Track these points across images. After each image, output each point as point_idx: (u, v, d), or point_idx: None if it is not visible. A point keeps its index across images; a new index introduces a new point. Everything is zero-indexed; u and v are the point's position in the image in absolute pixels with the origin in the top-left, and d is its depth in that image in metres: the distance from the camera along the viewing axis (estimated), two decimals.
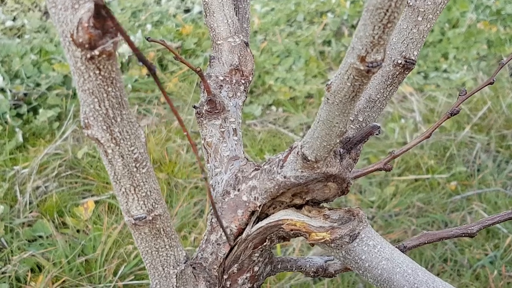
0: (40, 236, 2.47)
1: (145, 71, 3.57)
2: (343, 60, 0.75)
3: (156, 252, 0.84)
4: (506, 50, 3.90)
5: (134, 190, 0.79)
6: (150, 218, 0.81)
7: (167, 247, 0.85)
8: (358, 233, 0.87)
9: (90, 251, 2.34)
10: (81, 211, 2.57)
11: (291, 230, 0.89)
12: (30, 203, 2.63)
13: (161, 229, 0.83)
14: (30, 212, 2.59)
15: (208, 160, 0.97)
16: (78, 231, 2.49)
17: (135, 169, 0.78)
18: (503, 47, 3.92)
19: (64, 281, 2.23)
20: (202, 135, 0.98)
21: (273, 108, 3.49)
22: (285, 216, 0.90)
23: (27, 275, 2.25)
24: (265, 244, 0.91)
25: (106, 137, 0.76)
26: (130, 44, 0.64)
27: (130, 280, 2.29)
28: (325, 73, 3.74)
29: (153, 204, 0.81)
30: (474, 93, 1.08)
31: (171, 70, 3.67)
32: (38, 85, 3.30)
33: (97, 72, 0.71)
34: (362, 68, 0.72)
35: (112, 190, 2.80)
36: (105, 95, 0.72)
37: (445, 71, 3.72)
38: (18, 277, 2.23)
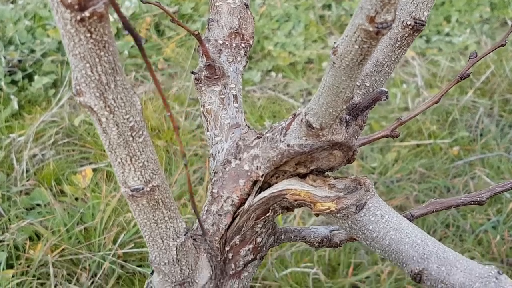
0: (38, 205, 2.45)
1: (141, 36, 3.49)
2: (350, 21, 0.71)
3: (155, 224, 0.81)
4: (510, 12, 3.83)
5: (131, 160, 0.75)
6: (148, 189, 0.77)
7: (166, 218, 0.81)
8: (365, 202, 0.84)
9: (89, 219, 2.32)
10: (79, 179, 2.54)
11: (295, 200, 0.85)
12: (27, 171, 2.59)
13: (160, 200, 0.79)
14: (27, 180, 2.56)
15: (207, 128, 0.93)
16: (76, 199, 2.46)
17: (131, 138, 0.74)
18: (506, 9, 3.84)
19: (63, 249, 2.21)
20: (201, 102, 0.94)
21: (273, 74, 3.43)
22: (288, 185, 0.86)
23: (25, 244, 2.23)
24: (268, 214, 0.87)
25: (99, 104, 0.71)
26: (116, 8, 0.59)
27: (130, 248, 2.28)
28: (325, 38, 3.67)
29: (151, 174, 0.77)
30: (485, 56, 1.03)
31: (168, 36, 3.60)
32: (32, 51, 3.23)
33: (88, 35, 0.67)
34: (371, 29, 0.67)
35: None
36: (97, 59, 0.68)
37: (447, 34, 3.65)
38: (16, 246, 2.21)
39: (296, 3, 3.81)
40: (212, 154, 0.92)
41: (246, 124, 0.93)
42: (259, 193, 0.89)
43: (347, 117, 0.87)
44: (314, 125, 0.82)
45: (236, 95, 0.93)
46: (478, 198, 1.00)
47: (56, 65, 3.20)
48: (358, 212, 0.84)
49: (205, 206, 0.91)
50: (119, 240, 2.22)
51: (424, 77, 3.31)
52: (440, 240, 2.50)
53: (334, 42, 0.74)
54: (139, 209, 0.80)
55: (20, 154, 2.67)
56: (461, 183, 2.71)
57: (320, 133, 0.83)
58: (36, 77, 3.07)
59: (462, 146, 2.91)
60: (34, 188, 2.53)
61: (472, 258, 2.41)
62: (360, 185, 0.85)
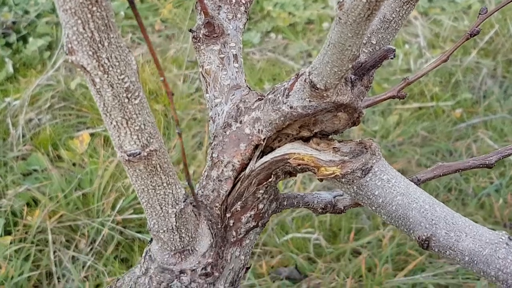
0: (35, 170, 2.42)
1: None
2: None
3: (153, 191, 0.78)
4: None
5: (127, 123, 0.71)
6: (145, 153, 0.74)
7: (164, 184, 0.78)
8: (371, 167, 0.80)
9: (87, 185, 2.29)
10: (76, 144, 2.51)
11: (298, 164, 0.82)
12: (23, 136, 2.56)
13: (158, 166, 0.76)
14: (24, 145, 2.52)
15: (207, 89, 0.89)
16: (74, 164, 2.43)
17: (126, 100, 0.70)
18: None
19: (61, 216, 2.19)
20: (200, 62, 0.90)
21: (272, 35, 3.37)
22: (291, 149, 0.82)
23: (23, 210, 2.20)
24: (270, 180, 0.84)
25: (92, 64, 0.67)
26: None
27: (129, 214, 2.26)
28: None
29: (148, 138, 0.73)
30: (496, 11, 0.98)
31: None
32: (26, 12, 3.16)
33: None
34: None
35: None
36: (89, 15, 0.63)
37: None
38: (14, 212, 2.18)
39: None
40: (212, 117, 0.88)
41: (247, 85, 0.89)
42: (261, 157, 0.85)
43: (353, 77, 0.83)
44: (318, 86, 0.78)
45: (236, 54, 0.89)
46: (487, 161, 0.96)
47: (51, 27, 3.13)
48: (364, 176, 0.80)
49: (204, 171, 0.87)
50: (118, 206, 2.20)
51: (426, 38, 3.24)
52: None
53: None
54: (136, 175, 0.76)
55: (16, 118, 2.63)
56: (464, 146, 2.67)
57: (325, 94, 0.79)
58: (30, 39, 3.00)
59: (465, 108, 2.87)
60: (31, 153, 2.50)
61: (475, 222, 2.39)
62: (365, 148, 0.81)
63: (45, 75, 2.82)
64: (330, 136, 0.88)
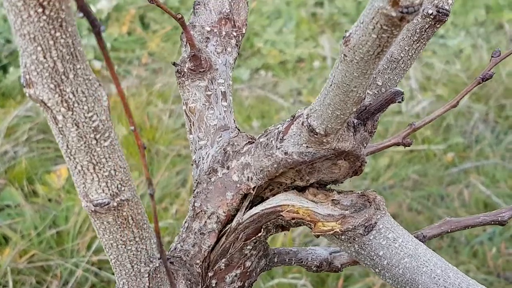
0: (8, 206, 2.29)
1: (125, 29, 3.34)
2: (368, 5, 0.58)
3: (123, 246, 0.67)
4: (505, 15, 3.72)
5: (94, 168, 0.61)
6: (115, 204, 0.63)
7: (137, 239, 0.67)
8: (375, 223, 0.71)
9: (62, 222, 2.16)
10: (53, 178, 2.39)
11: (292, 218, 0.72)
12: None
13: (130, 218, 0.65)
14: None
15: (190, 130, 0.80)
16: (49, 200, 2.30)
17: (94, 142, 0.60)
18: (501, 13, 3.74)
19: (33, 255, 2.06)
20: (184, 100, 0.80)
21: (262, 72, 3.31)
22: (285, 201, 0.72)
23: None
24: (259, 235, 0.74)
25: (54, 98, 0.57)
26: None
27: (105, 255, 2.12)
28: (316, 37, 3.54)
29: (119, 186, 0.63)
30: (509, 55, 0.91)
31: (154, 29, 3.45)
32: (8, 41, 3.07)
33: (40, 10, 0.53)
34: (393, 14, 0.54)
35: None
36: (51, 42, 0.54)
37: (442, 37, 3.54)
38: None
39: None
40: (195, 161, 0.78)
41: (236, 127, 0.79)
42: (250, 208, 0.75)
43: (355, 121, 0.74)
44: (317, 130, 0.68)
45: (225, 91, 0.79)
46: (499, 218, 0.87)
47: None
48: (367, 234, 0.70)
49: (185, 222, 0.77)
50: (94, 245, 2.07)
51: (418, 80, 3.19)
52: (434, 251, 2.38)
53: (346, 31, 0.61)
54: (104, 228, 0.66)
55: None
56: (456, 192, 2.60)
57: (324, 140, 0.69)
58: (11, 69, 2.90)
59: (457, 152, 2.80)
60: (4, 188, 2.37)
61: (467, 272, 2.29)
62: (369, 202, 0.72)
63: (24, 106, 2.71)
64: (328, 186, 0.78)
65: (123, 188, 0.63)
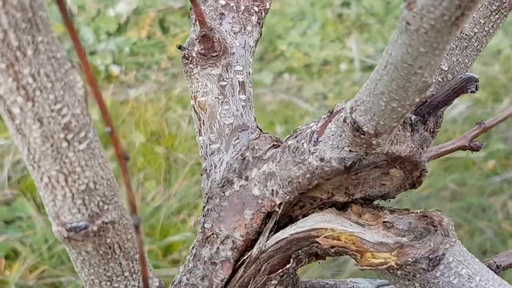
0: (19, 218, 2.16)
1: (144, 33, 3.21)
2: None
3: (109, 284, 0.51)
4: None
5: (66, 180, 0.45)
6: (95, 228, 0.47)
7: (126, 274, 0.51)
8: (443, 254, 0.54)
9: None
10: None
11: (332, 246, 0.55)
12: (9, 178, 2.32)
13: (116, 246, 0.49)
14: (9, 189, 2.28)
15: (200, 130, 0.63)
16: None
17: (65, 144, 0.44)
18: None
19: (43, 271, 1.93)
20: (192, 92, 0.64)
21: (286, 76, 3.15)
22: (321, 223, 0.56)
23: (1, 262, 1.95)
24: (288, 266, 0.57)
25: (7, 84, 0.42)
26: None
27: None
28: (343, 38, 3.37)
29: (101, 204, 0.47)
30: None
31: (173, 33, 3.32)
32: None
33: None
34: None
35: None
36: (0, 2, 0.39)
37: None
38: None
39: (312, 0, 3.52)
40: (206, 170, 0.62)
41: (257, 126, 0.63)
42: (276, 231, 0.58)
43: (413, 117, 0.57)
44: (365, 129, 0.52)
45: (243, 82, 0.63)
46: None
47: None
48: (432, 269, 0.53)
49: (193, 247, 0.61)
50: None
51: None
52: None
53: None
54: (82, 259, 0.50)
55: (2, 159, 2.40)
56: (499, 203, 2.41)
57: (374, 141, 0.53)
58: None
59: (498, 160, 2.61)
60: (16, 198, 2.26)
61: None
62: (433, 225, 0.55)
63: None
64: (375, 202, 0.61)
65: (106, 207, 0.47)
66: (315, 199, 0.60)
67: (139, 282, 0.52)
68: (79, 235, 0.47)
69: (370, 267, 0.53)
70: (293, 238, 0.56)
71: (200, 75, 0.62)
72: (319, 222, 0.56)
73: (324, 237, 0.55)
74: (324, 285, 0.65)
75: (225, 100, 0.62)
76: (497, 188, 2.47)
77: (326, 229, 0.55)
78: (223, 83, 0.62)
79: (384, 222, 0.56)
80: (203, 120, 0.62)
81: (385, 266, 0.53)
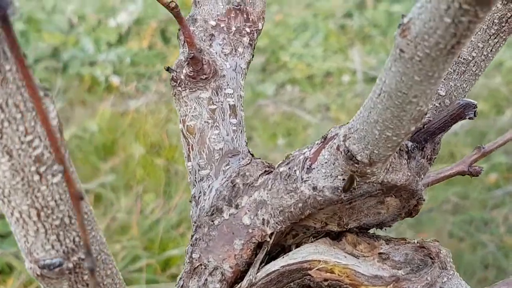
0: None
1: (145, 43, 3.20)
2: None
3: None
4: None
5: (38, 215, 0.43)
6: (71, 265, 0.45)
7: None
8: None
9: None
10: None
11: (325, 279, 0.52)
12: None
13: (95, 285, 0.47)
14: None
15: (189, 155, 0.61)
16: None
17: (37, 178, 0.42)
18: None
19: (38, 286, 1.89)
20: (181, 116, 0.62)
21: (288, 87, 3.13)
22: (314, 254, 0.53)
23: None
24: None
25: None
26: None
27: None
28: (346, 50, 3.35)
29: (77, 239, 0.44)
30: None
31: (175, 44, 3.30)
32: (24, 57, 2.94)
33: None
34: None
35: (102, 177, 2.47)
36: None
37: None
38: None
39: (315, 11, 3.51)
40: (195, 197, 0.60)
41: (249, 151, 0.61)
42: (267, 263, 0.56)
43: (410, 144, 0.55)
44: (358, 158, 0.50)
45: (234, 105, 0.61)
46: None
47: (50, 72, 2.91)
48: None
49: (180, 278, 0.58)
50: None
51: None
52: (478, 283, 2.16)
53: (403, 16, 0.42)
54: None
55: None
56: (501, 216, 2.38)
57: (368, 170, 0.51)
58: None
59: (500, 173, 2.58)
60: None
61: None
62: (430, 257, 0.52)
63: None
64: (371, 231, 0.59)
65: (82, 242, 0.45)
66: (308, 228, 0.57)
67: None
68: (53, 273, 0.44)
69: None
70: (285, 270, 0.54)
71: (189, 98, 0.60)
72: (312, 253, 0.53)
73: (317, 269, 0.52)
74: None
75: (215, 124, 0.60)
76: (499, 201, 2.44)
77: (319, 261, 0.53)
78: (213, 107, 0.60)
79: (380, 253, 0.53)
80: (192, 145, 0.60)
81: None
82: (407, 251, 0.54)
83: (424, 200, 0.56)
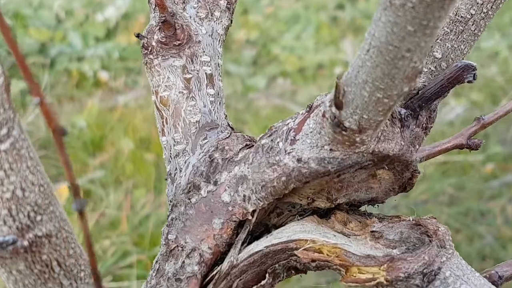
0: None
1: (134, 38, 3.14)
2: None
3: None
4: None
5: None
6: (26, 243, 0.40)
7: None
8: (439, 269, 0.46)
9: None
10: None
11: (312, 260, 0.48)
12: None
13: (55, 263, 0.42)
14: None
15: (163, 129, 0.56)
16: None
17: None
18: None
19: None
20: (153, 87, 0.57)
21: (280, 80, 3.08)
22: (301, 233, 0.49)
23: None
24: (263, 282, 0.50)
25: None
26: None
27: (108, 282, 1.91)
28: (338, 42, 3.30)
29: (32, 214, 0.40)
30: None
31: None
32: (10, 53, 2.89)
33: None
34: None
35: (91, 173, 2.42)
36: None
37: None
38: None
39: (306, 3, 3.46)
40: (170, 174, 0.55)
41: (228, 124, 0.56)
42: (249, 243, 0.51)
43: (403, 111, 0.50)
44: (347, 124, 0.45)
45: (211, 74, 0.56)
46: None
47: (37, 68, 2.85)
48: (427, 286, 0.46)
49: (156, 261, 0.53)
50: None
51: None
52: None
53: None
54: (14, 280, 0.42)
55: None
56: (498, 207, 2.34)
57: (358, 138, 0.46)
58: (12, 81, 2.71)
59: (497, 163, 2.54)
60: None
61: None
62: (427, 235, 0.48)
63: (25, 120, 2.52)
64: (362, 208, 0.54)
65: (39, 218, 0.40)
66: (294, 205, 0.53)
67: None
68: (6, 252, 0.39)
69: (357, 283, 0.46)
70: (269, 251, 0.49)
71: (162, 67, 0.55)
72: (298, 232, 0.49)
73: (304, 249, 0.48)
74: None
75: (190, 95, 0.55)
76: (496, 192, 2.40)
77: (306, 240, 0.48)
78: (188, 76, 0.55)
79: (372, 231, 0.49)
80: (166, 118, 0.55)
81: (373, 283, 0.46)
82: (402, 229, 0.49)
83: (419, 173, 0.52)
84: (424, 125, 0.51)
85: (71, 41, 2.99)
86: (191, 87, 0.55)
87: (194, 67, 0.55)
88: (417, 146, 0.52)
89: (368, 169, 0.50)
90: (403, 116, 0.50)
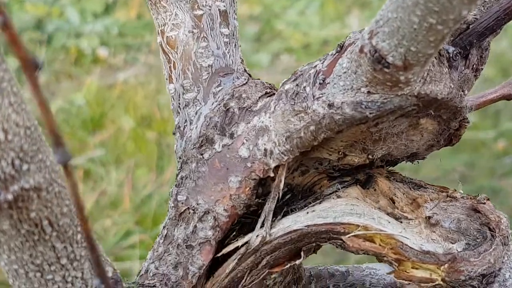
0: None
1: (133, 13, 3.07)
2: None
3: (39, 274, 0.37)
4: None
5: None
6: (11, 197, 0.33)
7: (63, 261, 0.37)
8: (499, 270, 0.40)
9: None
10: None
11: (361, 250, 0.41)
12: None
13: (45, 222, 0.35)
14: None
15: (170, 76, 0.49)
16: None
17: None
18: None
19: None
20: (159, 26, 0.50)
21: (284, 56, 3.02)
22: (351, 216, 0.42)
23: None
24: (297, 262, 0.43)
25: None
26: None
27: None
28: (343, 17, 3.23)
29: (17, 162, 0.33)
30: None
31: None
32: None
33: None
34: None
35: (91, 151, 2.35)
36: None
37: None
38: None
39: None
40: (179, 127, 0.48)
41: (245, 69, 0.49)
42: (276, 202, 0.44)
43: (451, 49, 0.43)
44: (390, 59, 0.38)
45: (225, 11, 0.49)
46: None
47: (33, 45, 2.78)
48: None
49: (164, 227, 0.47)
50: None
51: None
52: None
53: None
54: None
55: None
56: (511, 185, 2.28)
57: (402, 77, 0.39)
58: (8, 58, 2.64)
59: (509, 140, 2.48)
60: None
61: None
62: (489, 227, 0.41)
63: None
64: (400, 163, 0.48)
65: (26, 167, 0.33)
66: (322, 161, 0.46)
67: (82, 273, 0.38)
68: None
69: (410, 281, 0.39)
70: (310, 231, 0.42)
71: (168, 2, 0.48)
72: (347, 214, 0.41)
73: (353, 236, 0.40)
74: (333, 272, 0.51)
75: (202, 35, 0.47)
76: (509, 170, 2.35)
77: (357, 225, 0.40)
78: (199, 12, 0.48)
79: (428, 217, 0.41)
80: (174, 62, 0.48)
81: (430, 285, 0.38)
82: (459, 214, 0.42)
83: (468, 122, 0.45)
84: (474, 66, 0.44)
85: (69, 16, 2.92)
86: (202, 26, 0.48)
87: (205, 2, 0.48)
88: (466, 91, 0.44)
89: (410, 118, 0.43)
90: (451, 55, 0.43)
